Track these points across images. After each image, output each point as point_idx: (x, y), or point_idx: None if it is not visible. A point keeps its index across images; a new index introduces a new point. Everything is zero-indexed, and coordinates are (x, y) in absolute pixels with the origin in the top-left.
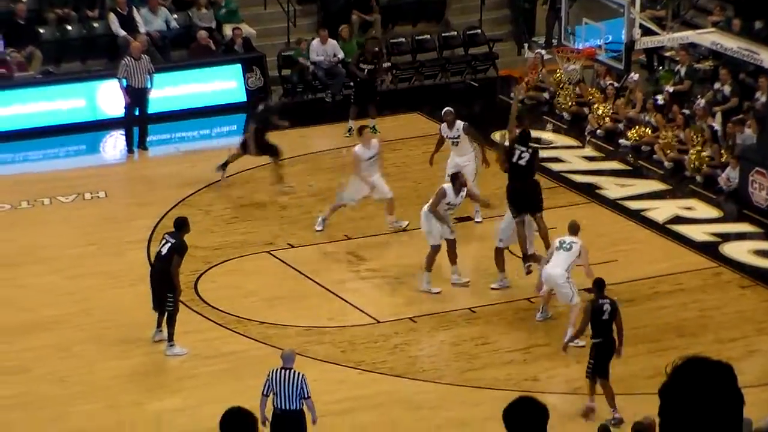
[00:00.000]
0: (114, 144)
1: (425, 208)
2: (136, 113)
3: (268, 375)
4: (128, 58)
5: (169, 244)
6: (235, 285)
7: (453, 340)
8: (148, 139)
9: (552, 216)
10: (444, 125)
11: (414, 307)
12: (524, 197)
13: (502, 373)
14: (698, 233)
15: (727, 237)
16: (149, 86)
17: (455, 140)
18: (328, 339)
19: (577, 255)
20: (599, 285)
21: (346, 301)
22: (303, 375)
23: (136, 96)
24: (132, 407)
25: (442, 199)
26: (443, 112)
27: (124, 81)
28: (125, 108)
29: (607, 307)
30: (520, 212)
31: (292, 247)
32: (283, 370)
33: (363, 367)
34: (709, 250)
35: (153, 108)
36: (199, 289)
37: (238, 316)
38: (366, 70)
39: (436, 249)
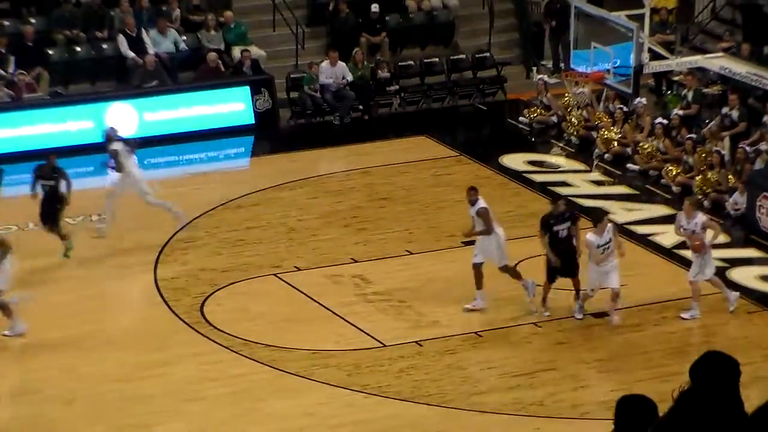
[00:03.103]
0: None
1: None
2: None
3: None
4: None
5: None
6: (242, 308)
7: (459, 364)
8: (155, 160)
9: None
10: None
11: (420, 330)
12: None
13: (507, 397)
14: None
15: (734, 262)
16: None
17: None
18: (334, 362)
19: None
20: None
21: (352, 324)
22: None
23: None
24: (138, 430)
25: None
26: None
27: None
28: None
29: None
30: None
31: (299, 270)
32: None
33: (369, 390)
34: (716, 275)
35: (162, 130)
36: (206, 312)
37: (244, 339)
38: None
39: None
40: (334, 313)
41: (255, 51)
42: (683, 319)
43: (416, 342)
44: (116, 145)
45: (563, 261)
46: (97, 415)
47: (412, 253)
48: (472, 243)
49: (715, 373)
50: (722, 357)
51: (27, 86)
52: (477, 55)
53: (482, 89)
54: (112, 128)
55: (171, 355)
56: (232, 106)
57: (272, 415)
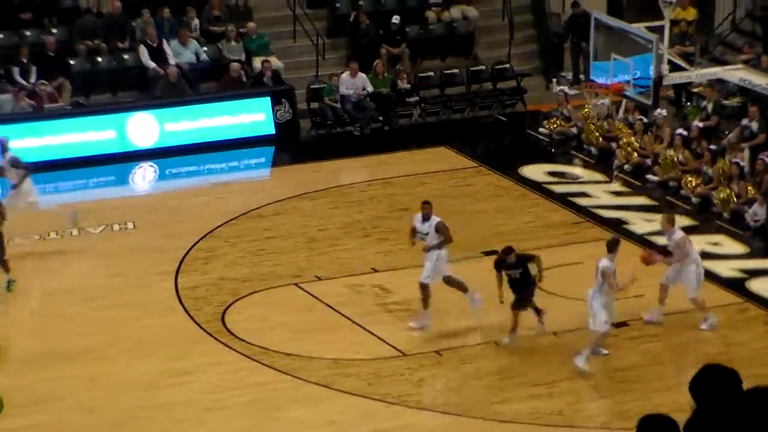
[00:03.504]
0: (143, 175)
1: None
2: None
3: None
4: None
5: None
6: (262, 317)
7: (478, 374)
8: (176, 170)
9: (579, 251)
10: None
11: (440, 340)
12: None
13: (526, 406)
14: (725, 269)
15: (754, 273)
16: None
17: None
18: (354, 371)
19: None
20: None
21: (372, 333)
22: None
23: None
24: None
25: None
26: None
27: None
28: None
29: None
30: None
31: (320, 279)
32: None
33: (389, 399)
34: (735, 286)
35: (183, 140)
36: (226, 321)
37: (265, 348)
38: None
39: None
40: (354, 322)
41: (275, 62)
42: (702, 330)
43: (436, 351)
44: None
45: (520, 294)
46: (118, 423)
47: None
48: (493, 253)
49: (716, 386)
50: (720, 370)
51: (49, 96)
52: (497, 66)
53: (502, 100)
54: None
55: (192, 364)
56: (253, 116)
57: (293, 424)
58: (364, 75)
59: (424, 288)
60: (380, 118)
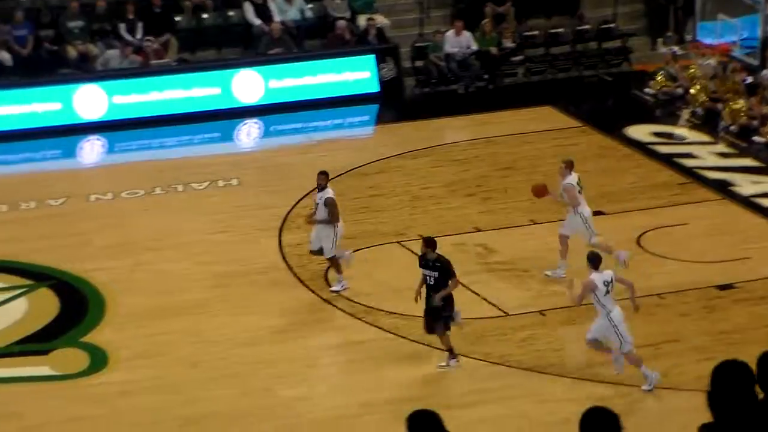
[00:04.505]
0: (248, 132)
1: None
2: None
3: None
4: None
5: None
6: (365, 275)
7: (581, 335)
8: (281, 127)
9: (684, 213)
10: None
11: (542, 300)
12: None
13: (630, 368)
14: None
15: None
16: None
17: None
18: (456, 330)
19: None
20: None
21: (474, 292)
22: None
23: None
24: (262, 393)
25: None
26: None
27: None
28: None
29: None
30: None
31: (423, 238)
32: None
33: (491, 359)
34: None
35: (287, 97)
36: (330, 279)
37: (367, 306)
38: None
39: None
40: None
41: (380, 19)
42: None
43: (539, 312)
44: None
45: (425, 311)
46: (221, 378)
47: (535, 223)
48: (599, 214)
49: (731, 380)
50: (735, 365)
51: (155, 53)
52: (602, 26)
53: (607, 60)
54: None
55: (295, 321)
56: (358, 74)
57: (394, 383)
58: (468, 33)
59: (332, 260)
60: (485, 76)
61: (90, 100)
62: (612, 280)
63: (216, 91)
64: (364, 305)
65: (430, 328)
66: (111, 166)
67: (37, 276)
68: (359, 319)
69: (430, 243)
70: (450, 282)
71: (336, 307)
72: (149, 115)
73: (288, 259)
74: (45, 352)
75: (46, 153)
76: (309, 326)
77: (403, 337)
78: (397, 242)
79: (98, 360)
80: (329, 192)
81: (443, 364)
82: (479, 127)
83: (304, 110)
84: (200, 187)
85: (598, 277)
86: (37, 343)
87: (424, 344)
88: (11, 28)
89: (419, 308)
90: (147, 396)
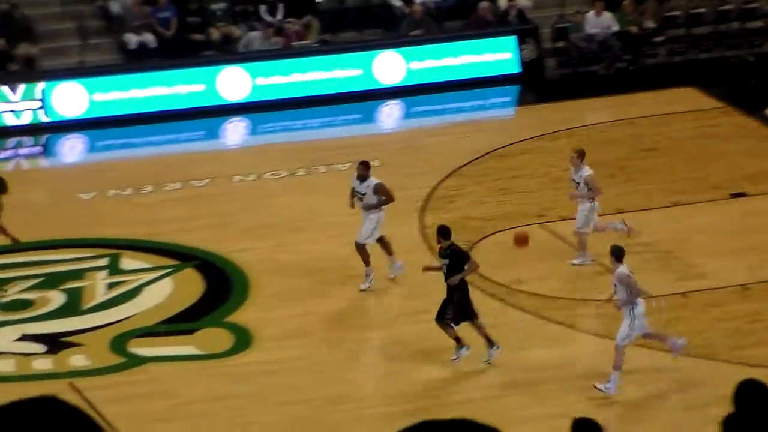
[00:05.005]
0: (389, 113)
1: None
2: None
3: None
4: None
5: None
6: (508, 256)
7: (724, 317)
8: (421, 109)
9: None
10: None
11: (685, 282)
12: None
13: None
14: None
15: None
16: None
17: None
18: (595, 312)
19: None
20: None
21: None
22: None
23: None
24: (405, 374)
25: None
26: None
27: None
28: None
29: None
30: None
31: (564, 219)
32: None
33: (637, 343)
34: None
35: (428, 78)
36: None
37: (509, 287)
38: None
39: None
40: (599, 263)
41: (521, 0)
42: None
43: (681, 293)
44: None
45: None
46: (364, 359)
47: (678, 204)
48: (741, 195)
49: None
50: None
51: (296, 34)
52: (745, 6)
53: (750, 40)
54: None
55: (436, 302)
56: (498, 55)
57: (536, 364)
58: (609, 14)
59: (360, 249)
60: (626, 57)
61: (233, 82)
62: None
63: (357, 72)
64: (505, 286)
65: (438, 317)
66: (254, 147)
67: (182, 256)
68: (501, 299)
69: (440, 231)
70: (465, 266)
71: (478, 287)
72: (291, 97)
73: (428, 240)
74: (190, 332)
75: (191, 134)
76: None
77: (545, 318)
78: (538, 223)
79: (242, 340)
80: (374, 180)
81: (454, 357)
82: (620, 109)
83: (444, 91)
84: (343, 168)
85: (626, 269)
86: (182, 323)
87: (565, 325)
88: (155, 11)
89: (562, 289)
90: (291, 376)
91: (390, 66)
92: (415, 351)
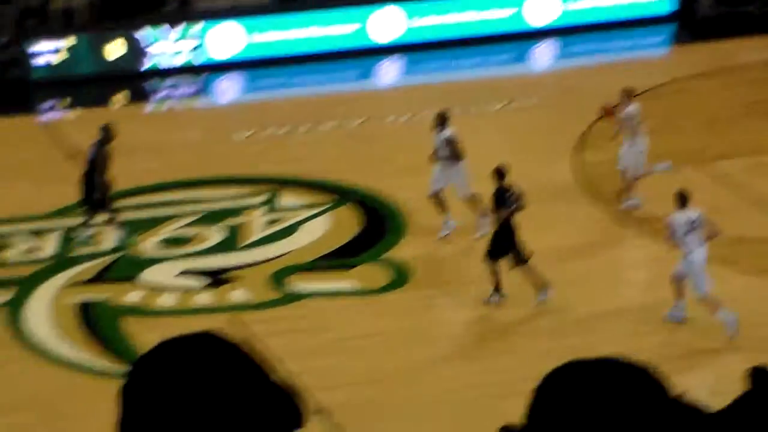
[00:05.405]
0: (542, 53)
1: None
2: None
3: None
4: None
5: None
6: (659, 195)
7: None
8: (576, 49)
9: None
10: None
11: None
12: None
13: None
14: None
15: None
16: None
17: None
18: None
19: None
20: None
21: None
22: None
23: None
24: (559, 311)
25: None
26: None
27: None
28: None
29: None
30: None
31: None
32: None
33: None
34: None
35: (587, 18)
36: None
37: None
38: None
39: None
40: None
41: None
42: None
43: None
44: None
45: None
46: (512, 298)
47: None
48: None
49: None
50: None
51: None
52: None
53: None
54: None
55: (592, 242)
56: None
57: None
58: None
59: (470, 200)
60: None
61: (388, 22)
62: (698, 219)
63: (509, 12)
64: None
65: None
66: (408, 87)
67: (340, 193)
68: (651, 237)
69: (496, 172)
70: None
71: (630, 227)
72: (446, 37)
73: (584, 183)
74: (349, 267)
75: (345, 74)
76: (605, 248)
77: None
78: (692, 164)
79: (400, 276)
80: (448, 131)
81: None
82: None
83: (594, 32)
84: (494, 109)
85: (679, 216)
86: (341, 258)
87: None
88: None
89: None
90: (447, 311)
91: (542, 7)
92: (577, 288)
